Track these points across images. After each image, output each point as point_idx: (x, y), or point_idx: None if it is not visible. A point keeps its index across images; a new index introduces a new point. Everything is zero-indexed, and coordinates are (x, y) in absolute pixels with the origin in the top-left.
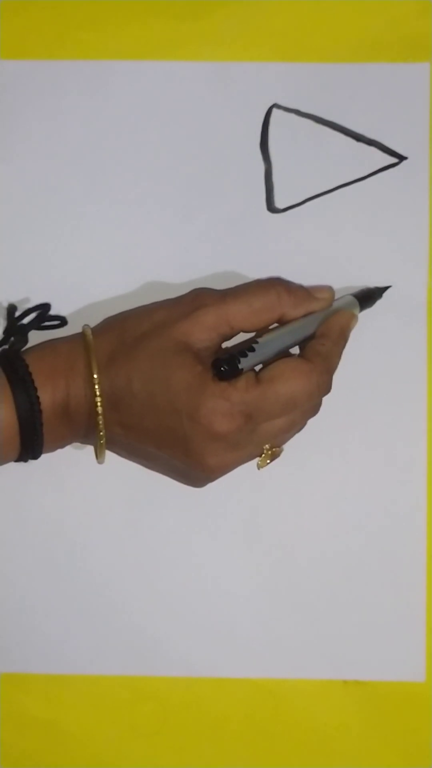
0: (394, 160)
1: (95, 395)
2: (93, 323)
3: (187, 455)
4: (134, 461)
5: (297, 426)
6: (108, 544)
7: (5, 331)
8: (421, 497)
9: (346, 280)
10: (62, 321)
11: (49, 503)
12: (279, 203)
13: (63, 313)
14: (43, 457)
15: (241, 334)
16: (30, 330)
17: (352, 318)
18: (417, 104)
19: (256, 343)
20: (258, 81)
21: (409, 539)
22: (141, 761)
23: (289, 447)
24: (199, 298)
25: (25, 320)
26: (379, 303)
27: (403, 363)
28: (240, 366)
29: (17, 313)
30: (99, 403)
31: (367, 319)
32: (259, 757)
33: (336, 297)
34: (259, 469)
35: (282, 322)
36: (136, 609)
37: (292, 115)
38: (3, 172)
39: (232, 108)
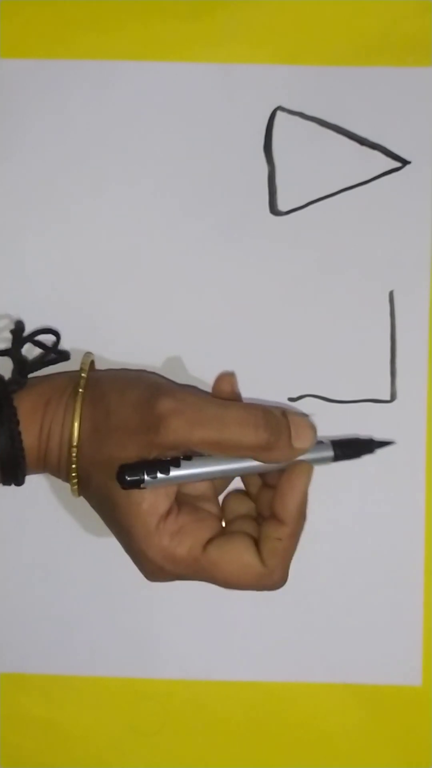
0: (398, 164)
1: (71, 464)
2: (92, 328)
3: (136, 562)
4: None
5: None
6: (108, 545)
7: (12, 357)
8: (419, 501)
9: (348, 283)
10: (65, 356)
11: (49, 502)
12: (282, 206)
13: (62, 316)
14: None
15: None
16: (32, 372)
17: (309, 479)
18: (421, 108)
19: (177, 466)
20: (262, 83)
21: (407, 544)
22: (141, 762)
23: None
24: (165, 419)
25: (29, 352)
26: (381, 305)
27: (404, 366)
28: (143, 486)
29: (24, 333)
30: (74, 473)
31: (368, 321)
32: (258, 760)
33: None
34: None
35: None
36: (136, 610)
37: (296, 118)
38: (3, 171)
39: (236, 110)
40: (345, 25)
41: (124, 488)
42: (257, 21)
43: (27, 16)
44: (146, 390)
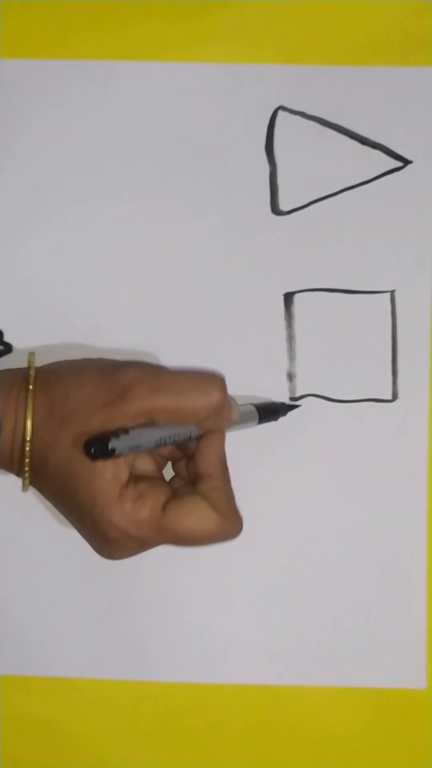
0: (399, 163)
1: (23, 457)
2: (93, 327)
3: (95, 545)
4: None
5: None
6: None
7: None
8: (421, 503)
9: (349, 283)
10: (8, 349)
11: (49, 504)
12: (283, 206)
13: (62, 315)
14: None
15: None
16: None
17: (223, 440)
18: (422, 108)
19: (133, 428)
20: (263, 83)
21: (410, 547)
22: (142, 765)
23: (290, 451)
24: (130, 387)
25: None
26: (383, 306)
27: (406, 366)
28: (110, 446)
29: None
30: (27, 470)
31: (370, 320)
32: (260, 763)
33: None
34: None
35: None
36: (138, 613)
37: (298, 118)
38: (3, 171)
39: (237, 109)
40: (345, 25)
41: (93, 459)
42: (257, 21)
43: (27, 16)
44: (105, 367)
